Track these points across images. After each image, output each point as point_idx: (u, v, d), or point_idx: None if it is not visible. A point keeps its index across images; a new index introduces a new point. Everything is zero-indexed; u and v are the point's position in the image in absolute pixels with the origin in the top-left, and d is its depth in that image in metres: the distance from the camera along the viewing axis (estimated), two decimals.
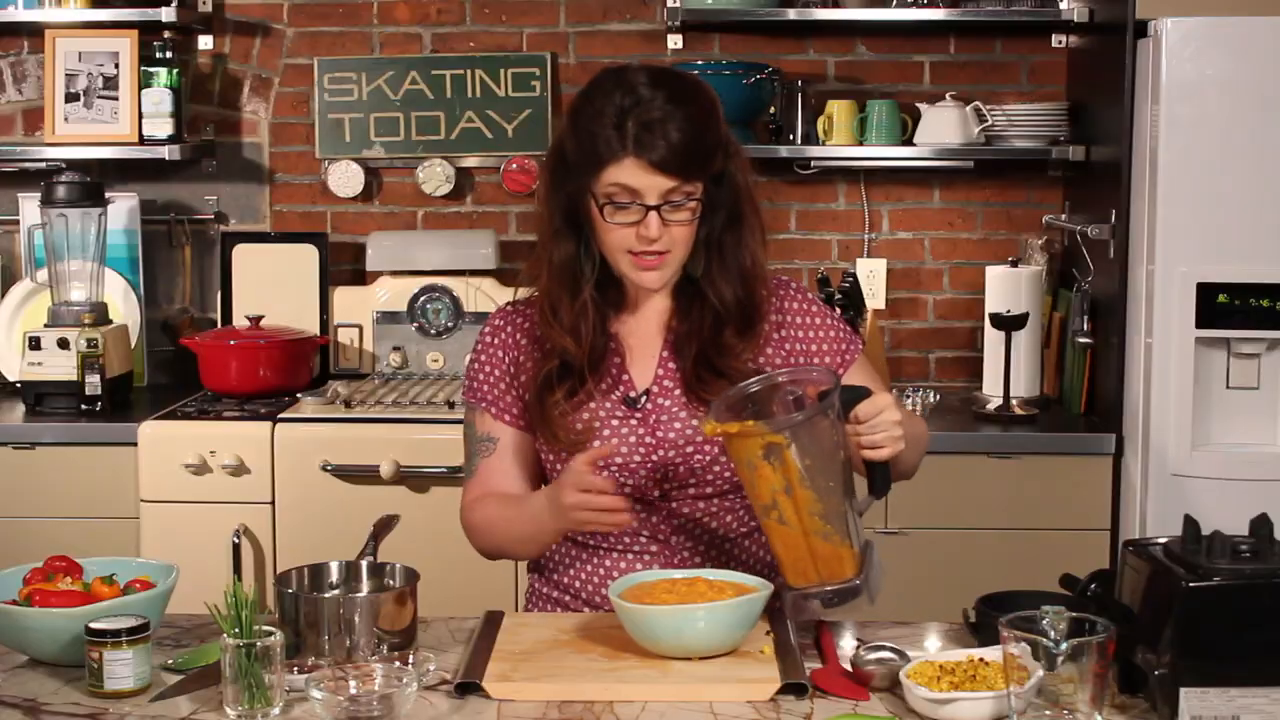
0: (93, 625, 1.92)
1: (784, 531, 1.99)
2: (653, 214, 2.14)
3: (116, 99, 4.06)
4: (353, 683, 1.84)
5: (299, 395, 3.83)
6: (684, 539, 2.26)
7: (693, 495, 2.25)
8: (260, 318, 3.96)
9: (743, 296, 2.24)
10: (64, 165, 4.06)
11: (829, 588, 2.01)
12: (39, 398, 3.79)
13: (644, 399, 2.25)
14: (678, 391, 2.25)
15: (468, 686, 1.91)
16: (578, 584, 2.31)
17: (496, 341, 2.33)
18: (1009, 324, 3.77)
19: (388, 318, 4.11)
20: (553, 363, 2.24)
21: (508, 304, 2.38)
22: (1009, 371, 3.76)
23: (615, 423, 2.23)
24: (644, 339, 2.29)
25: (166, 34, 4.05)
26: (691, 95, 2.16)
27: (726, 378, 2.20)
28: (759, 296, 2.26)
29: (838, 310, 2.38)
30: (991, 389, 3.86)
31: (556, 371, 2.24)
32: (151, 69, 4.02)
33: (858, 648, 2.00)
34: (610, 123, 2.13)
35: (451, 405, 3.68)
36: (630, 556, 2.27)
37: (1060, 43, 4.13)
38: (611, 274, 2.25)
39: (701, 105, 2.16)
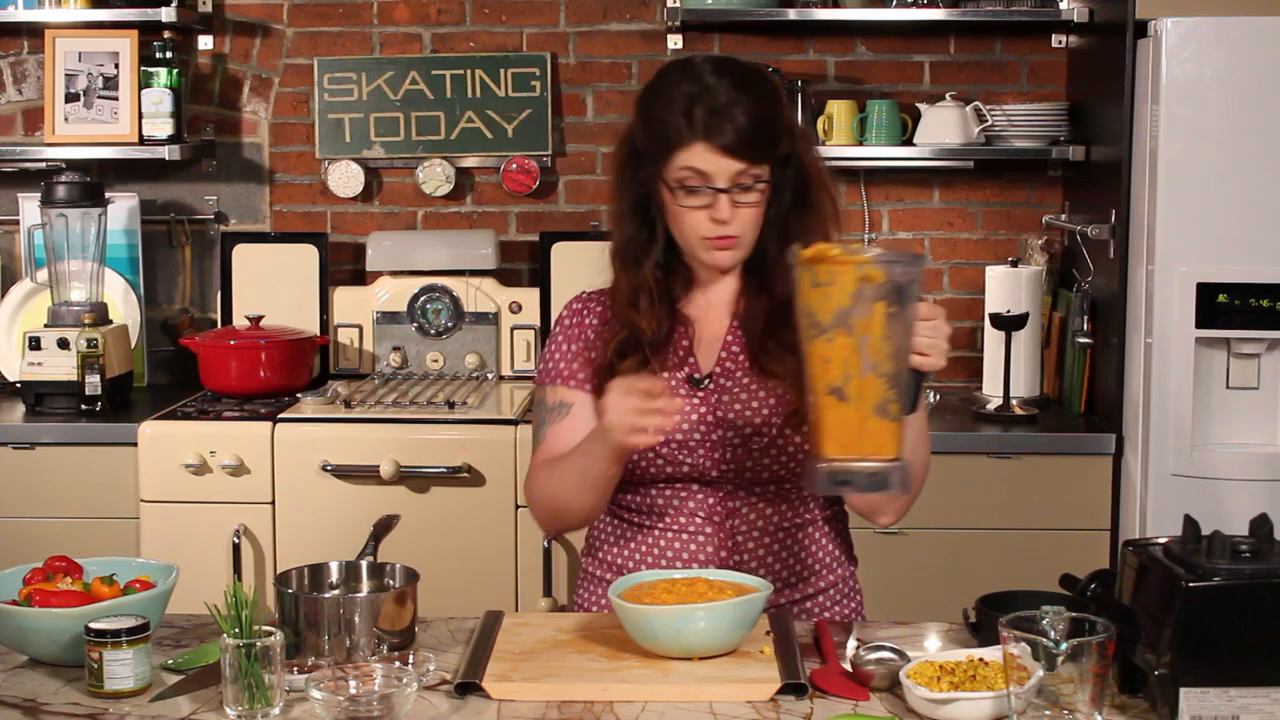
0: (93, 625, 1.92)
1: (843, 390, 1.92)
2: (723, 197, 2.19)
3: (116, 99, 4.06)
4: (353, 683, 1.84)
5: (299, 395, 3.83)
6: (738, 523, 2.28)
7: (749, 479, 2.27)
8: (260, 318, 3.96)
9: None
10: (64, 165, 4.06)
11: (870, 464, 1.95)
12: (39, 398, 3.80)
13: (708, 380, 2.29)
14: (740, 374, 2.28)
15: (468, 686, 1.91)
16: (632, 564, 2.32)
17: (572, 323, 2.37)
18: (1009, 324, 3.77)
19: (388, 318, 4.11)
20: (623, 333, 2.29)
21: (583, 292, 2.42)
22: (1009, 371, 3.76)
23: (678, 401, 2.23)
24: (712, 322, 2.33)
25: (166, 34, 4.05)
26: (755, 82, 2.22)
27: (793, 352, 2.19)
28: None
29: None
30: (991, 389, 3.86)
31: (626, 342, 2.28)
32: (151, 69, 4.02)
33: (858, 648, 2.00)
34: (680, 110, 2.19)
35: (451, 405, 3.68)
36: (685, 536, 2.28)
37: (1060, 43, 4.13)
38: (678, 257, 2.31)
39: (765, 91, 2.22)
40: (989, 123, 3.97)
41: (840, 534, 2.40)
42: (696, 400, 2.27)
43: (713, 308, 2.34)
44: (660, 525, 2.31)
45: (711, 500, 2.28)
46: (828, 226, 2.28)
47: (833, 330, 1.91)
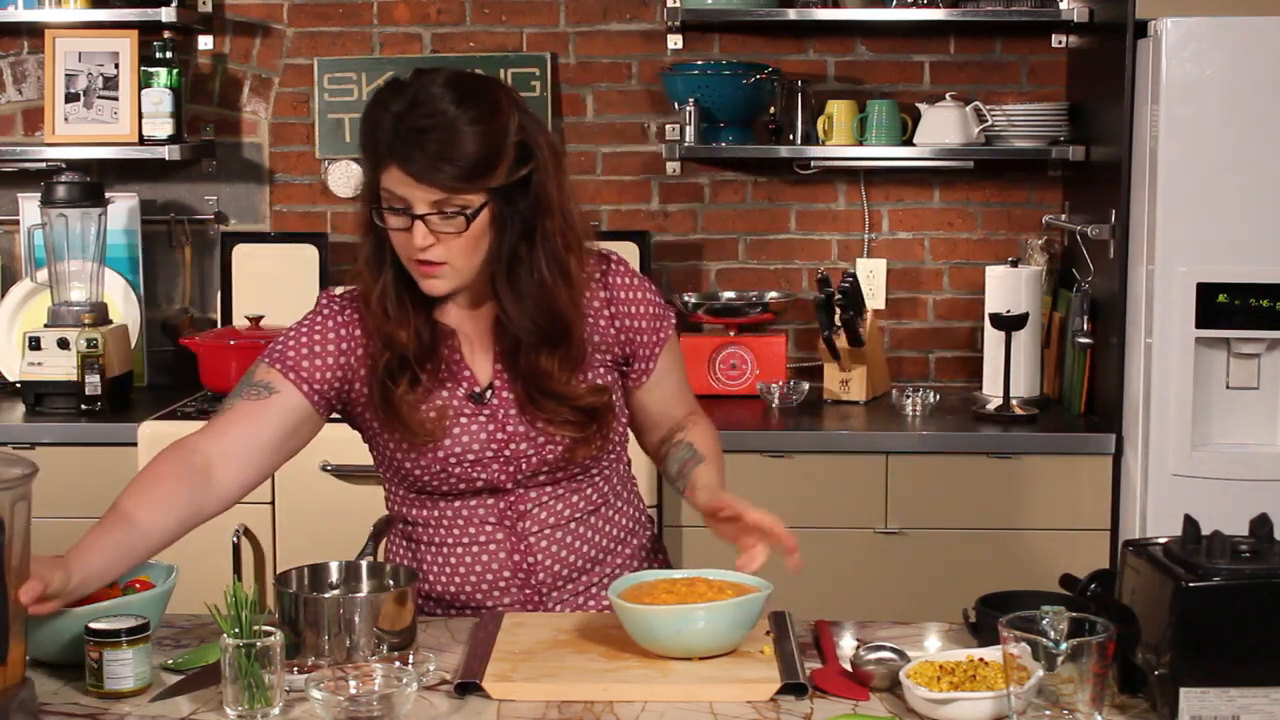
0: (93, 625, 1.92)
1: None
2: (418, 223, 2.11)
3: (116, 99, 4.06)
4: (353, 683, 1.84)
5: None
6: (529, 524, 2.26)
7: (544, 482, 2.26)
8: (260, 318, 3.96)
9: (538, 317, 2.18)
10: (64, 165, 4.06)
11: None
12: (39, 398, 3.80)
13: (489, 393, 2.24)
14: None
15: (467, 686, 1.91)
16: (425, 585, 2.30)
17: (320, 321, 2.27)
18: (1009, 324, 3.77)
19: None
20: (385, 355, 2.21)
21: (333, 291, 2.33)
22: (1009, 371, 3.76)
23: (464, 419, 2.22)
24: (477, 333, 2.26)
25: (166, 34, 4.05)
26: (471, 103, 2.09)
27: (559, 400, 2.20)
28: (560, 313, 2.19)
29: (651, 283, 2.36)
30: (991, 389, 3.86)
31: (392, 363, 2.20)
32: (151, 69, 4.02)
33: (858, 648, 2.00)
34: (382, 127, 2.10)
35: None
36: (476, 548, 2.26)
37: (1060, 43, 4.13)
38: None
39: (480, 114, 2.09)
40: (989, 123, 3.97)
41: (630, 501, 2.39)
42: (484, 418, 2.22)
43: (470, 317, 2.26)
44: (451, 540, 2.27)
45: (501, 505, 2.25)
46: (564, 259, 2.19)
47: None
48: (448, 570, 2.29)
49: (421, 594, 2.30)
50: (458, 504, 2.26)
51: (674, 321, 2.36)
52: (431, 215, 2.11)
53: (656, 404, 2.37)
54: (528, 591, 2.27)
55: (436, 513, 2.28)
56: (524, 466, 2.23)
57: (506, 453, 2.22)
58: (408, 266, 2.17)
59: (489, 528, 2.26)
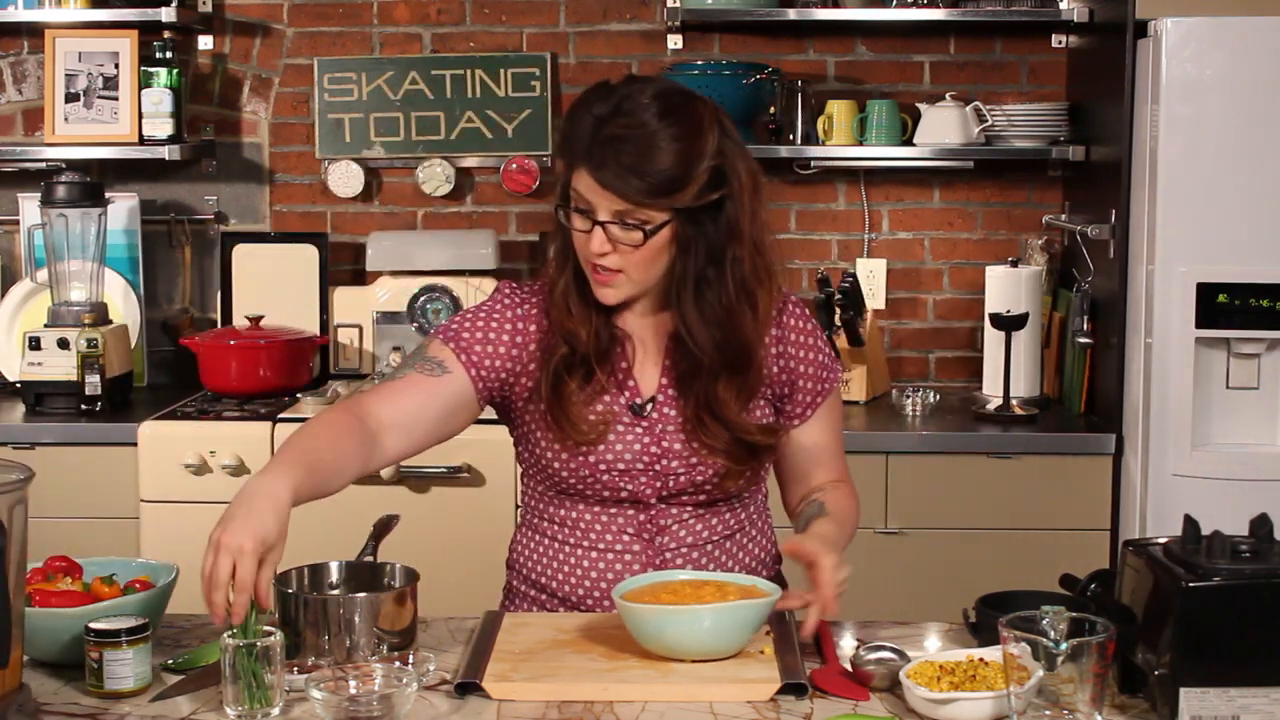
0: (93, 625, 1.92)
1: None
2: (598, 229, 2.11)
3: (116, 99, 4.06)
4: (353, 683, 1.84)
5: (299, 395, 3.83)
6: (667, 539, 2.25)
7: (686, 501, 2.25)
8: (260, 318, 3.96)
9: (721, 342, 2.18)
10: (64, 165, 4.06)
11: None
12: (39, 398, 3.80)
13: (649, 407, 2.23)
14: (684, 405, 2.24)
15: (468, 686, 1.91)
16: (555, 583, 2.29)
17: (500, 310, 2.27)
18: (1009, 324, 3.77)
19: (388, 318, 4.11)
20: (562, 349, 2.21)
21: (513, 282, 2.32)
22: (1009, 371, 3.76)
23: (621, 428, 2.21)
24: (647, 342, 2.26)
25: (166, 34, 4.05)
26: (673, 120, 2.09)
27: (728, 427, 2.20)
28: (744, 340, 2.19)
29: (826, 336, 2.36)
30: (991, 389, 3.86)
31: (570, 358, 2.21)
32: (151, 69, 4.02)
33: (858, 648, 2.00)
34: (581, 127, 2.10)
35: None
36: (611, 555, 2.26)
37: (1060, 43, 4.13)
38: None
39: (680, 132, 2.08)
40: (989, 123, 3.97)
41: (764, 534, 2.37)
42: (640, 430, 2.22)
43: (647, 325, 2.26)
44: (586, 543, 2.27)
45: (642, 518, 2.25)
46: (749, 285, 2.17)
47: None
48: (579, 572, 2.27)
49: (548, 591, 2.29)
50: (598, 509, 2.25)
51: (839, 377, 2.36)
52: (612, 224, 2.10)
53: (802, 456, 2.33)
54: None
55: (575, 514, 2.27)
56: (671, 484, 2.22)
57: (657, 467, 2.22)
58: (585, 268, 2.18)
59: (626, 538, 2.25)
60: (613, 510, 2.25)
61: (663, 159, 2.07)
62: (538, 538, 2.32)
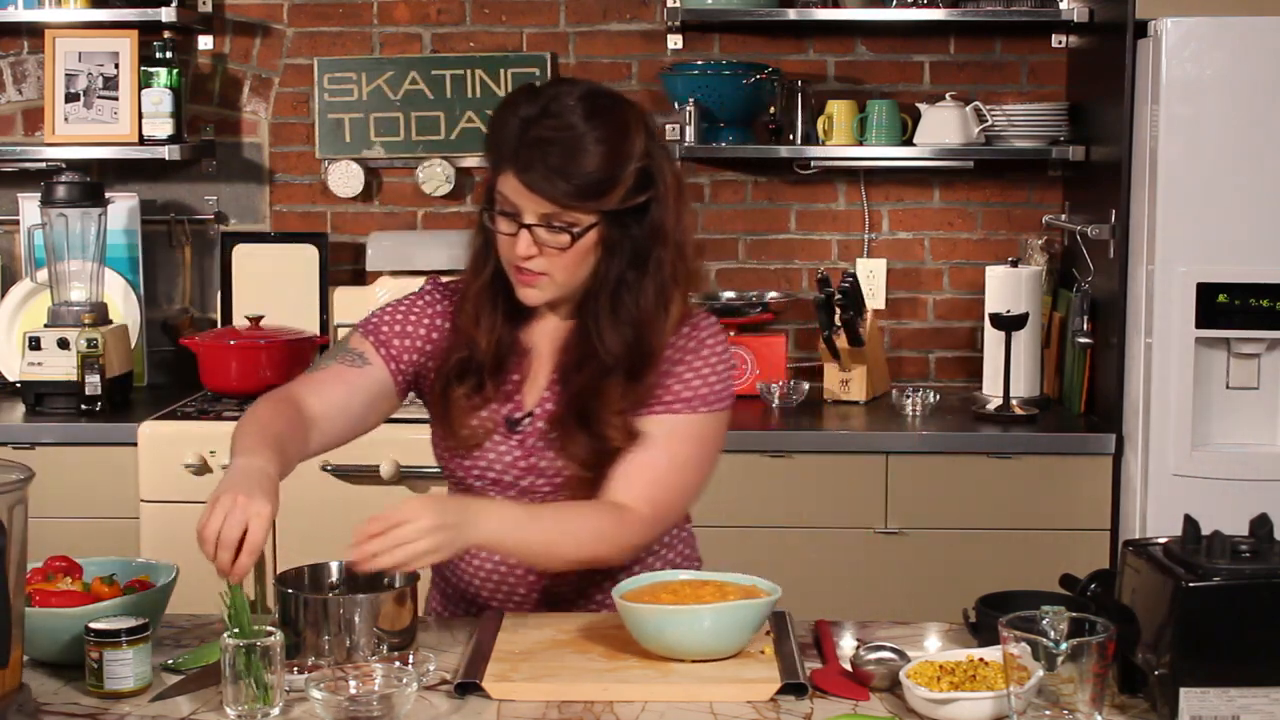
0: (93, 625, 1.92)
1: None
2: (524, 232, 2.09)
3: (116, 99, 4.06)
4: (353, 683, 1.84)
5: None
6: None
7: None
8: (260, 318, 3.96)
9: (631, 344, 2.15)
10: (64, 165, 4.06)
11: None
12: (39, 398, 3.80)
13: (526, 421, 2.21)
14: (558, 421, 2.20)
15: (468, 686, 1.91)
16: (462, 583, 2.30)
17: (421, 305, 2.28)
18: (1009, 324, 3.77)
19: None
20: (459, 354, 2.21)
21: (440, 279, 2.33)
22: (1009, 371, 3.76)
23: (496, 439, 2.22)
24: (541, 357, 2.24)
25: (166, 34, 4.05)
26: (600, 122, 2.07)
27: (592, 432, 2.14)
28: (651, 346, 2.15)
29: (730, 368, 2.25)
30: (991, 389, 3.86)
31: (465, 363, 2.20)
32: (151, 69, 4.02)
33: (858, 648, 2.00)
34: (509, 130, 2.08)
35: None
36: (498, 558, 2.25)
37: (1060, 43, 4.13)
38: None
39: (607, 134, 2.07)
40: (989, 123, 3.97)
41: (671, 546, 2.34)
42: (513, 443, 2.21)
43: (548, 341, 2.23)
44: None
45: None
46: (668, 290, 2.14)
47: None
48: (479, 577, 2.28)
49: (449, 583, 2.31)
50: None
51: (711, 409, 2.20)
52: (539, 227, 2.09)
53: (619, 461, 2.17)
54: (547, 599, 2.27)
55: None
56: (538, 500, 2.22)
57: (523, 483, 2.22)
58: (508, 271, 2.16)
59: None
60: None
61: (590, 161, 2.06)
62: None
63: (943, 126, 3.96)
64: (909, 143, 4.01)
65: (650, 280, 2.15)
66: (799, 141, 4.06)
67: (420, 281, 4.11)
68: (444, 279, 2.34)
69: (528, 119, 2.07)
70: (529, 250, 2.10)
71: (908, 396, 3.85)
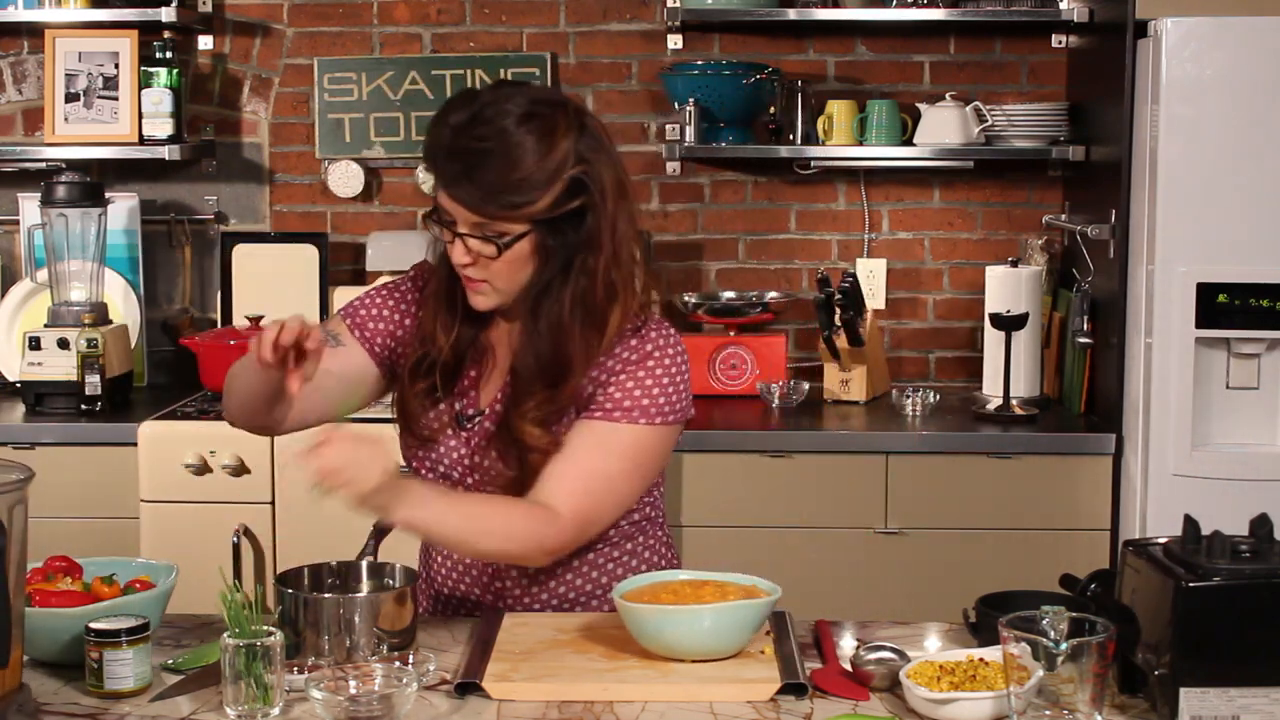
0: (93, 625, 1.92)
1: None
2: (458, 240, 2.08)
3: (116, 99, 4.06)
4: (353, 683, 1.84)
5: None
6: None
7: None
8: (260, 318, 3.96)
9: (544, 353, 2.12)
10: (64, 165, 4.06)
11: None
12: (39, 398, 3.80)
13: (476, 420, 2.21)
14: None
15: (468, 686, 1.91)
16: (429, 572, 2.32)
17: (399, 289, 2.28)
18: (1009, 324, 3.77)
19: None
20: (420, 351, 2.20)
21: (427, 263, 2.29)
22: (1009, 371, 3.76)
23: (448, 435, 2.22)
24: (499, 359, 2.23)
25: (166, 34, 4.05)
26: (527, 130, 2.03)
27: (512, 438, 2.14)
28: (565, 358, 2.11)
29: (677, 382, 2.17)
30: (991, 389, 3.86)
31: (422, 361, 2.20)
32: (151, 69, 4.02)
33: (858, 648, 2.00)
34: (439, 140, 2.06)
35: None
36: (456, 557, 2.26)
37: (1060, 43, 4.13)
38: None
39: (532, 142, 2.03)
40: (989, 123, 3.97)
41: (641, 553, 2.31)
42: (460, 440, 2.21)
43: (504, 343, 2.22)
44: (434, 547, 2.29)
45: None
46: (591, 299, 2.10)
47: None
48: (443, 570, 2.29)
49: (430, 580, 2.31)
50: None
51: (652, 422, 2.14)
52: (471, 236, 2.08)
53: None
54: (534, 589, 2.27)
55: None
56: (490, 492, 2.21)
57: (469, 480, 2.22)
58: (460, 274, 2.16)
59: None
60: None
61: (510, 171, 2.03)
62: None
63: (943, 126, 3.96)
64: (909, 143, 4.01)
65: (569, 289, 2.11)
66: (799, 141, 4.06)
67: None
68: (428, 264, 2.31)
69: (456, 127, 2.05)
70: (464, 258, 2.09)
71: (908, 396, 3.85)
